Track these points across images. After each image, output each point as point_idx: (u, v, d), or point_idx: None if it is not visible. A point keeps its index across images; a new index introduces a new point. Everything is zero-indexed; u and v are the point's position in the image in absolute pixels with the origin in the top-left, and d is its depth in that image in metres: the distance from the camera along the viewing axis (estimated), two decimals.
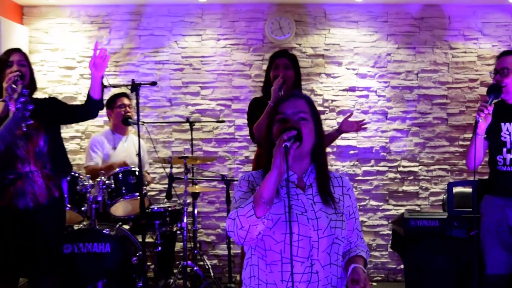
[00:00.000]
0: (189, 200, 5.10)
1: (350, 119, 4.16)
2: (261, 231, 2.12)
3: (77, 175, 4.56)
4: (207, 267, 5.42)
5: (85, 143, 5.72)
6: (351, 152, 5.98)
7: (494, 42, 5.99)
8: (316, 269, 2.17)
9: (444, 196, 5.09)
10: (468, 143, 5.74)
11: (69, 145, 5.72)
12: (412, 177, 6.04)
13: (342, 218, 2.28)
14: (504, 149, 3.61)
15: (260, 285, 2.22)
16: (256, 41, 5.99)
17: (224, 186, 5.13)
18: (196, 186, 5.20)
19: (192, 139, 5.57)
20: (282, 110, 2.28)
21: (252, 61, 5.99)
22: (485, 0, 5.76)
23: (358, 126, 4.20)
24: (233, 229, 2.10)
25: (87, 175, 4.75)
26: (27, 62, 3.57)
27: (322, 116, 5.54)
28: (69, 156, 4.56)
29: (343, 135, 5.74)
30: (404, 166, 6.05)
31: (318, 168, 2.30)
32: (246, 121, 5.77)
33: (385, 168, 6.05)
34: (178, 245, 5.44)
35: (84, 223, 4.52)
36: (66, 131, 5.71)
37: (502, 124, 3.61)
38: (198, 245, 5.60)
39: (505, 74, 3.58)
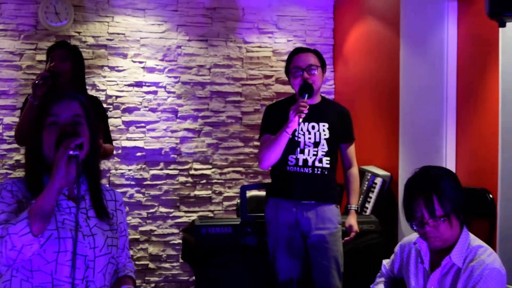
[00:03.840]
0: None
1: None
2: (35, 251, 2.18)
3: None
4: None
5: None
6: (138, 154, 6.54)
7: (290, 37, 6.88)
8: None
9: (238, 201, 5.47)
10: None
11: None
12: (204, 181, 6.75)
13: (116, 235, 2.48)
14: (298, 149, 4.13)
15: None
16: (28, 27, 6.27)
17: None
18: None
19: None
20: (53, 112, 2.34)
21: (23, 50, 6.27)
22: None
23: None
24: (1, 249, 2.13)
25: None
26: None
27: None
28: None
29: (129, 135, 6.39)
30: (196, 169, 6.73)
31: (91, 179, 2.45)
32: (16, 119, 6.27)
33: (176, 172, 6.68)
34: None
35: None
36: None
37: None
38: None
39: (312, 71, 4.13)
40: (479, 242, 2.84)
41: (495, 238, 4.21)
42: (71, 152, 2.16)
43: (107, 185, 2.62)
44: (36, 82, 4.14)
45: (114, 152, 6.23)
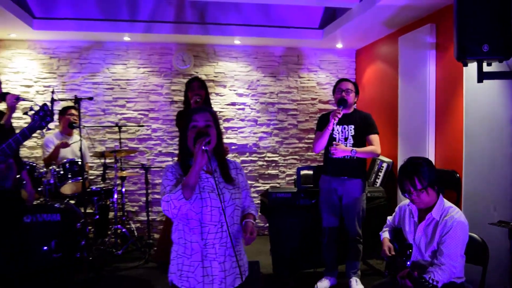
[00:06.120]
0: (118, 182, 5.48)
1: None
2: (188, 208, 2.19)
3: (34, 165, 4.74)
4: (132, 229, 5.77)
5: (41, 141, 5.82)
6: (233, 147, 6.52)
7: (327, 73, 6.73)
8: (224, 229, 2.30)
9: (295, 177, 5.42)
10: (311, 141, 6.65)
11: (28, 142, 5.83)
12: (274, 164, 6.67)
13: (239, 190, 2.39)
14: (334, 143, 4.08)
15: (186, 243, 2.30)
16: (166, 69, 6.35)
17: (144, 171, 5.46)
18: (124, 172, 5.57)
19: (120, 138, 5.91)
20: (195, 119, 2.32)
21: (163, 83, 6.34)
22: (321, 45, 6.48)
23: None
24: (168, 208, 2.17)
25: (42, 165, 4.95)
26: None
27: None
28: (29, 150, 4.73)
29: (227, 135, 6.28)
30: (268, 157, 6.65)
31: (219, 158, 2.39)
32: (159, 125, 6.32)
33: (256, 158, 6.62)
34: (111, 214, 5.70)
35: (41, 199, 4.59)
36: None
37: (335, 126, 4.13)
38: (125, 213, 5.91)
39: (348, 93, 4.11)
40: (450, 204, 2.78)
41: (461, 202, 4.10)
42: (203, 147, 2.16)
43: (230, 159, 2.51)
44: (198, 100, 4.21)
45: None
